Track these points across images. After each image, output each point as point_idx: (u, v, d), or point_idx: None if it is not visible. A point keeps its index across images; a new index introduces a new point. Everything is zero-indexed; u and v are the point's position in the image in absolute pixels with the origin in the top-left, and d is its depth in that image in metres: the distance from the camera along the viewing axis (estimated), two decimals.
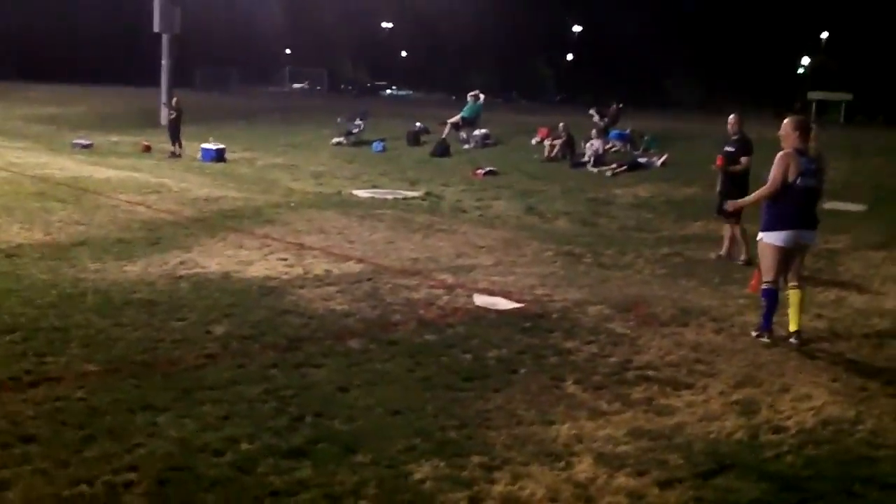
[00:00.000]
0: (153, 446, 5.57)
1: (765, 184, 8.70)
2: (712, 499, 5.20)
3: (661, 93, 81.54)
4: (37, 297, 9.06)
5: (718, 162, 12.94)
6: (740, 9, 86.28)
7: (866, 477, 5.60)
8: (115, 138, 32.21)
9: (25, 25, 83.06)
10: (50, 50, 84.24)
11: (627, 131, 29.41)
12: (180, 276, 10.37)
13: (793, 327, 8.62)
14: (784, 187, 8.48)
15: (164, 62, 39.13)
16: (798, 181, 8.45)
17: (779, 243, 8.55)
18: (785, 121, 8.84)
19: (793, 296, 8.69)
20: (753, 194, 9.10)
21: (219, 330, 8.25)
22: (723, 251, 13.04)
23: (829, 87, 73.00)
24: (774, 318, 8.69)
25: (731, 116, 13.31)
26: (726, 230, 12.99)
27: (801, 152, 8.56)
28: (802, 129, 8.70)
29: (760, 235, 8.79)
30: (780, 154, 8.65)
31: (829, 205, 16.54)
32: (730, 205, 10.21)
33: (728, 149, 12.90)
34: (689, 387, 7.23)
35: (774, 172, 8.58)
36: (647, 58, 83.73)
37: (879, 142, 30.01)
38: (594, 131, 27.69)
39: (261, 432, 5.84)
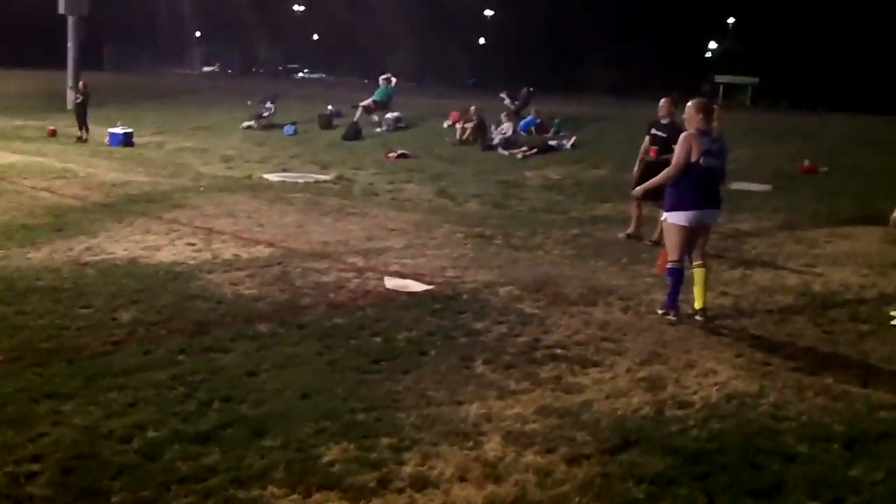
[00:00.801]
0: (57, 435, 5.49)
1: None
2: (619, 474, 5.28)
3: (572, 77, 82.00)
4: None
5: (652, 153, 12.68)
6: None
7: (769, 449, 5.73)
8: (19, 122, 31.46)
9: None
10: None
11: (534, 117, 29.55)
12: (86, 263, 10.20)
13: (698, 305, 8.78)
14: (687, 167, 8.63)
15: (70, 44, 38.24)
16: (701, 161, 8.60)
17: (683, 223, 8.69)
18: (688, 104, 9.01)
19: (697, 274, 8.85)
20: (658, 176, 9.22)
21: (125, 316, 8.14)
22: (631, 230, 13.15)
23: (736, 72, 74.35)
24: (680, 297, 8.84)
25: (663, 100, 13.11)
26: (634, 210, 13.08)
27: (703, 133, 8.72)
28: (705, 111, 8.86)
29: (665, 216, 8.95)
30: (683, 135, 8.83)
31: (734, 185, 16.89)
32: (637, 191, 10.33)
33: (658, 132, 12.76)
34: (596, 365, 7.33)
35: (678, 153, 8.74)
36: (558, 42, 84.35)
37: (783, 125, 30.57)
38: (504, 114, 27.83)
39: (168, 418, 5.79)
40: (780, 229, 14.33)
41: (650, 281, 10.35)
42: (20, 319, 7.87)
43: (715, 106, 9.48)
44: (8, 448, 5.28)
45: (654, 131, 12.86)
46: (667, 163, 11.45)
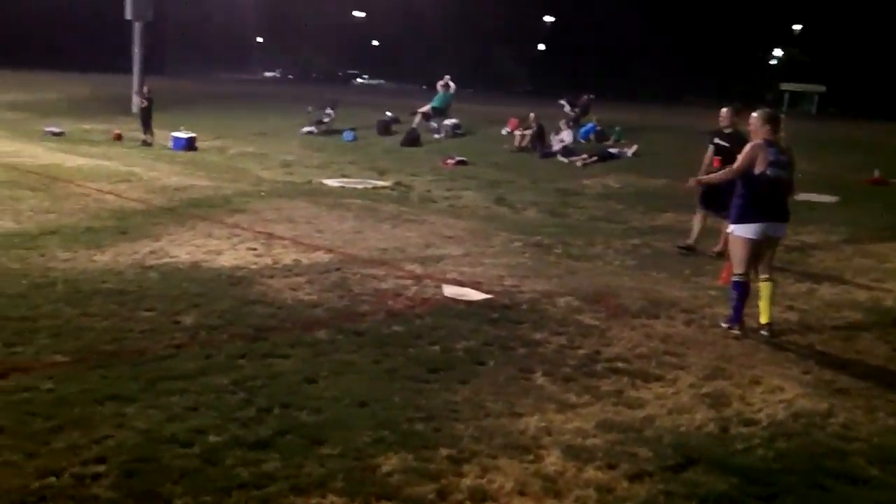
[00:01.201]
0: (121, 437, 5.54)
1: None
2: (681, 492, 5.21)
3: (632, 84, 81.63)
4: (6, 286, 8.98)
5: (715, 163, 12.31)
6: (713, 1, 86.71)
7: (837, 471, 5.63)
8: (86, 126, 31.89)
9: None
10: (22, 36, 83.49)
11: (594, 125, 29.40)
12: (149, 266, 10.29)
13: (764, 319, 8.67)
14: (754, 178, 8.53)
15: (135, 50, 38.71)
16: (768, 171, 8.49)
17: (750, 236, 8.57)
18: (753, 115, 8.89)
19: (763, 288, 8.73)
20: (717, 174, 9.17)
21: (187, 320, 8.20)
22: (690, 240, 12.89)
23: (802, 79, 73.41)
24: (745, 310, 8.72)
25: (724, 109, 12.87)
26: (696, 221, 12.84)
27: (770, 143, 8.59)
28: (772, 122, 8.73)
29: (731, 228, 8.83)
30: (749, 144, 8.71)
31: (800, 196, 16.64)
32: (691, 181, 10.15)
33: (721, 142, 12.52)
34: (658, 379, 7.25)
35: (740, 159, 8.66)
36: (618, 49, 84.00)
37: (851, 134, 30.18)
38: (563, 122, 27.73)
39: (228, 423, 5.81)
40: (848, 242, 14.11)
41: (713, 294, 10.22)
42: (85, 321, 7.95)
43: (781, 116, 9.33)
44: (74, 449, 5.34)
45: (716, 141, 12.65)
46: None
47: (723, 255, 11.41)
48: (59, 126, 30.00)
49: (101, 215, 13.39)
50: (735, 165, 8.76)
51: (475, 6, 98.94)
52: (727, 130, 12.59)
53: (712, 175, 9.33)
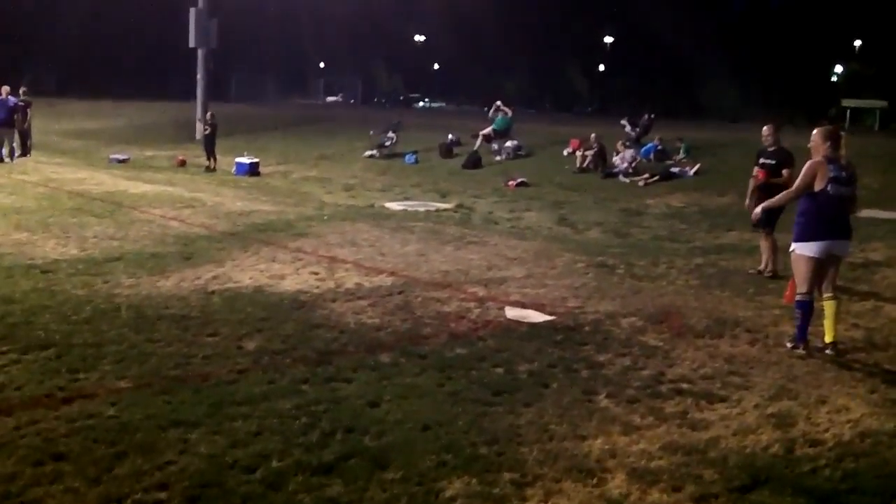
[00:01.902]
0: (184, 463, 5.57)
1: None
2: None
3: (694, 102, 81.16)
4: (71, 312, 9.11)
5: (760, 175, 12.35)
6: (773, 18, 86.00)
7: None
8: (150, 153, 32.45)
9: (62, 41, 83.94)
10: (88, 65, 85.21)
11: (656, 143, 29.24)
12: (213, 291, 10.39)
13: (828, 338, 8.53)
14: (815, 195, 8.42)
15: (199, 76, 39.29)
16: (829, 188, 8.39)
17: (812, 254, 8.46)
18: (814, 132, 8.78)
19: (828, 306, 8.60)
20: (776, 197, 9.05)
21: (250, 345, 8.26)
22: (762, 265, 12.62)
23: (863, 95, 72.43)
24: (809, 329, 8.59)
25: (766, 127, 12.82)
26: (763, 242, 12.65)
27: (830, 160, 8.48)
28: (833, 139, 8.63)
29: (793, 246, 8.71)
30: (809, 162, 8.60)
31: (864, 213, 16.38)
32: (756, 213, 9.95)
33: (767, 160, 12.40)
34: (723, 400, 7.16)
35: (800, 178, 8.57)
36: (679, 67, 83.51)
37: None
38: (621, 142, 27.62)
39: (291, 448, 5.83)
40: None
41: (778, 312, 10.09)
42: (149, 347, 8.04)
43: (842, 133, 9.20)
44: (137, 475, 5.37)
45: (762, 160, 12.51)
46: (780, 185, 11.16)
47: (775, 275, 11.33)
48: (123, 153, 30.55)
49: (165, 241, 13.57)
50: (795, 184, 8.67)
51: (539, 21, 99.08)
52: (771, 148, 12.50)
53: (774, 199, 9.19)
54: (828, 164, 8.46)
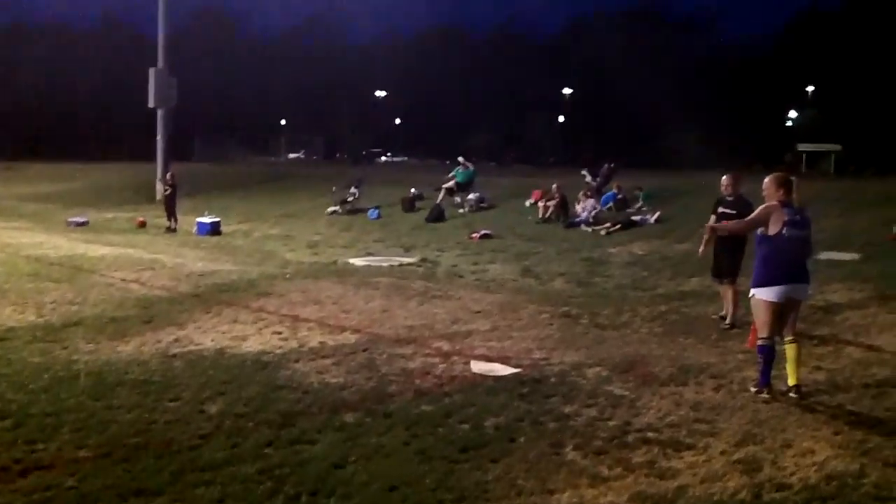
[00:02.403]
0: None
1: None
2: None
3: (653, 151, 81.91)
4: (28, 381, 8.96)
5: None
6: (726, 67, 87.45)
7: None
8: (110, 215, 32.28)
9: (18, 104, 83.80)
10: (47, 128, 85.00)
11: (615, 192, 29.44)
12: (174, 355, 10.28)
13: (791, 381, 8.56)
14: (771, 239, 8.50)
15: (159, 137, 39.26)
16: (784, 231, 8.48)
17: (771, 298, 8.52)
18: (766, 179, 8.93)
19: (789, 350, 8.64)
20: (730, 223, 9.09)
21: (213, 408, 8.16)
22: (724, 311, 12.54)
23: (818, 140, 73.72)
24: (773, 373, 8.62)
25: (726, 177, 12.72)
26: (724, 291, 12.62)
27: (785, 204, 8.59)
28: (786, 185, 8.78)
29: (752, 292, 8.76)
30: (763, 206, 8.72)
31: (822, 255, 16.54)
32: (706, 232, 10.01)
33: (726, 210, 12.29)
34: (690, 447, 7.14)
35: (755, 214, 8.69)
36: (637, 117, 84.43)
37: (870, 192, 29.98)
38: (582, 192, 27.82)
39: None
40: (873, 299, 13.93)
41: (741, 357, 10.12)
42: (109, 414, 7.92)
43: (793, 179, 9.32)
44: None
45: (720, 210, 12.42)
46: (737, 238, 11.33)
47: (734, 327, 11.40)
48: (82, 216, 30.37)
49: (125, 304, 13.43)
50: (749, 218, 8.77)
51: (500, 75, 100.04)
52: (730, 197, 12.46)
53: (727, 224, 9.24)
54: (783, 209, 8.56)
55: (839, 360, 10.12)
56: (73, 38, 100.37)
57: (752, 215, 8.76)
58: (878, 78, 75.70)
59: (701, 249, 11.38)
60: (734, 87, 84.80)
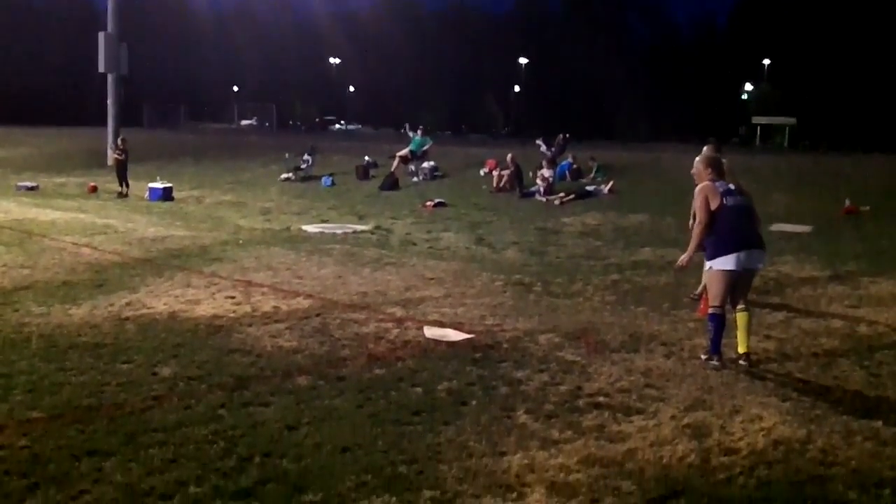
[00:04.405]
0: (98, 492, 5.46)
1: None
2: None
3: (607, 124, 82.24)
4: None
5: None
6: (683, 41, 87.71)
7: (818, 496, 5.62)
8: (61, 180, 31.88)
9: None
10: None
11: (570, 162, 29.54)
12: (126, 318, 10.23)
13: (742, 349, 8.67)
14: (717, 213, 8.58)
15: (109, 102, 38.79)
16: (725, 201, 8.60)
17: (729, 267, 8.54)
18: (695, 161, 9.10)
19: (740, 318, 8.73)
20: (693, 240, 8.95)
21: (165, 371, 8.13)
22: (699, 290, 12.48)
23: (773, 113, 74.13)
24: (724, 342, 8.73)
25: (706, 147, 12.19)
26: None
27: (715, 181, 8.76)
28: (714, 166, 8.98)
29: (708, 264, 8.81)
30: (697, 188, 8.83)
31: (774, 227, 16.76)
32: (678, 265, 9.69)
33: None
34: (640, 412, 7.23)
35: (698, 207, 8.74)
36: (593, 89, 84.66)
37: (823, 166, 30.43)
38: (543, 161, 27.87)
39: (209, 474, 5.75)
40: (823, 271, 14.16)
41: (692, 326, 10.24)
42: (61, 377, 7.88)
43: (721, 158, 9.45)
44: None
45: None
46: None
47: (700, 297, 11.37)
48: (32, 180, 29.97)
49: (76, 269, 13.33)
50: (698, 217, 8.81)
51: (452, 51, 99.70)
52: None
53: (692, 245, 9.05)
54: (714, 184, 8.70)
55: (789, 330, 10.26)
56: (24, 2, 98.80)
57: (697, 211, 8.78)
58: (834, 52, 76.28)
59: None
60: (688, 62, 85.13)
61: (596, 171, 28.71)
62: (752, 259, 8.67)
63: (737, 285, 8.71)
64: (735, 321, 8.79)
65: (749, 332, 8.78)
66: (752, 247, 8.66)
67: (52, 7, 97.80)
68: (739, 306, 8.79)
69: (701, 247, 8.92)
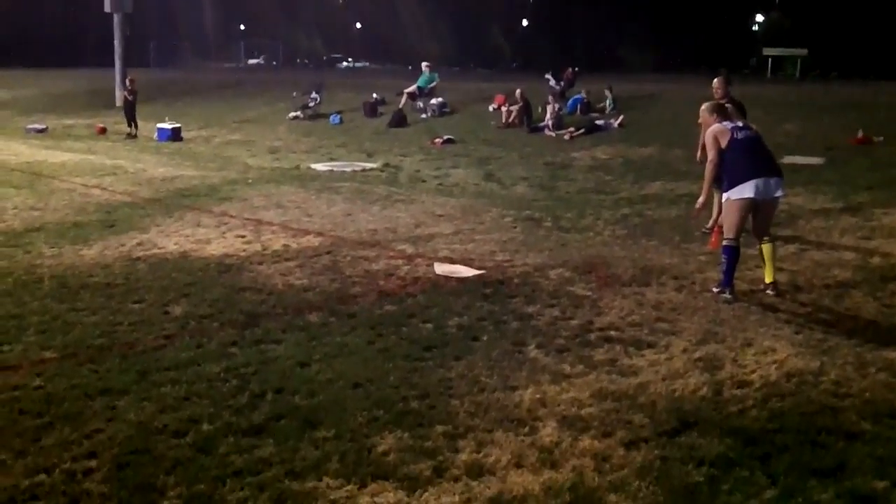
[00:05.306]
0: (112, 431, 5.50)
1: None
2: (677, 457, 5.19)
3: (616, 56, 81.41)
4: None
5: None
6: None
7: (830, 427, 5.62)
8: (69, 121, 31.78)
9: None
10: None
11: (581, 96, 29.30)
12: (137, 258, 10.25)
13: (768, 279, 8.77)
14: (729, 148, 8.55)
15: (116, 42, 38.52)
16: (735, 135, 8.59)
17: (747, 195, 8.45)
18: (701, 109, 9.21)
19: (765, 249, 8.76)
20: (706, 180, 8.93)
21: (177, 310, 8.16)
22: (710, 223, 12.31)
23: (784, 44, 73.25)
24: (735, 274, 8.70)
25: (716, 80, 12.44)
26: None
27: (721, 121, 8.84)
28: (719, 111, 9.07)
29: (726, 195, 8.72)
30: (707, 132, 8.85)
31: (786, 159, 16.62)
32: (694, 212, 9.67)
33: None
34: (651, 346, 7.23)
35: (709, 147, 8.77)
36: (601, 21, 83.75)
37: (835, 96, 30.09)
38: (551, 96, 27.66)
39: (221, 411, 5.78)
40: (835, 202, 14.08)
41: (703, 259, 10.21)
42: (73, 316, 7.91)
43: (728, 106, 9.45)
44: (64, 445, 5.30)
45: None
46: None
47: (712, 230, 11.27)
48: (41, 122, 29.90)
49: (87, 210, 13.35)
50: (709, 156, 8.77)
51: None
52: (721, 101, 12.35)
53: (706, 186, 9.01)
54: (722, 124, 8.75)
55: (800, 262, 10.23)
56: None
57: (708, 151, 8.77)
58: None
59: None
60: None
61: (610, 101, 28.45)
62: (769, 187, 8.59)
63: (757, 215, 8.67)
64: (760, 252, 8.85)
65: (775, 261, 8.82)
66: (768, 174, 8.59)
67: None
68: (764, 238, 8.77)
69: (716, 180, 8.92)
